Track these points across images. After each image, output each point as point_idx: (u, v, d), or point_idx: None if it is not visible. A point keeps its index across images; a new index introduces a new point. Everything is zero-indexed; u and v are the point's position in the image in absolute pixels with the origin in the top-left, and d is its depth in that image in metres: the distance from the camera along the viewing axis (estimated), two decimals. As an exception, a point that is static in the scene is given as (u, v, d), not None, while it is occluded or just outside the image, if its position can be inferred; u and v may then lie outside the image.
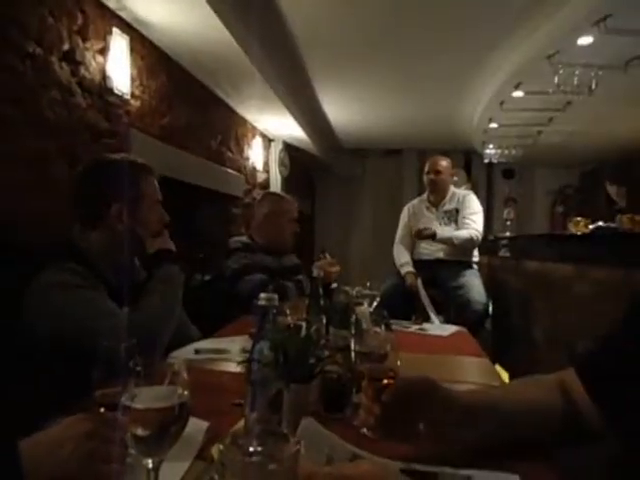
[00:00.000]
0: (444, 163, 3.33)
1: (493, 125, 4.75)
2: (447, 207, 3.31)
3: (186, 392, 0.56)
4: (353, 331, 0.93)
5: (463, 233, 3.12)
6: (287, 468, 0.44)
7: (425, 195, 3.46)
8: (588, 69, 3.07)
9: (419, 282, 3.13)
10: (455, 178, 3.52)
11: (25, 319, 1.17)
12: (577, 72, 3.08)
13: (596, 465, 0.92)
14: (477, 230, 3.16)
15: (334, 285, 2.14)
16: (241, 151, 4.41)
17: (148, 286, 1.34)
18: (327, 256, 2.21)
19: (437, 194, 3.34)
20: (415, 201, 3.55)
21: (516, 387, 0.98)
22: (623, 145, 5.55)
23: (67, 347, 1.11)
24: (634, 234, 2.50)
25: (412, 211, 3.46)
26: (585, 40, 2.78)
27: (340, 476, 0.50)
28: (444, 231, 3.11)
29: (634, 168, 5.45)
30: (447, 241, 3.12)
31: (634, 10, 2.49)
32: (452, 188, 3.39)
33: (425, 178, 3.36)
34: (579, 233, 2.91)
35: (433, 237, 3.09)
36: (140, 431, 0.52)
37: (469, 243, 3.14)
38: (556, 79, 3.12)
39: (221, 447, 0.43)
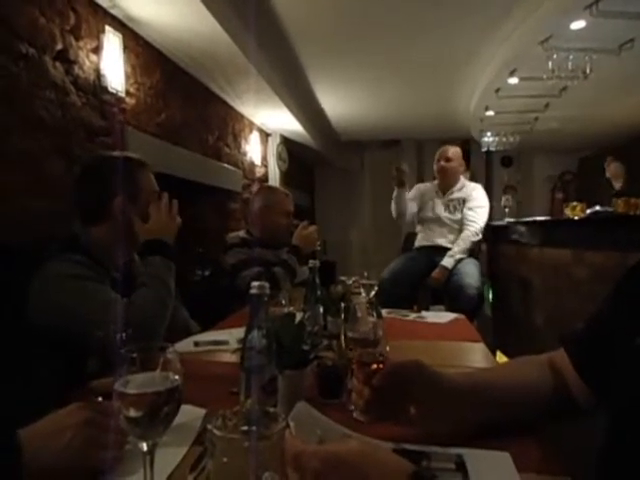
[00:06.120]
0: (454, 151, 3.38)
1: (490, 113, 4.74)
2: (455, 195, 3.34)
3: (177, 377, 0.58)
4: (342, 317, 0.95)
5: (461, 244, 3.16)
6: (273, 445, 0.46)
7: (436, 181, 3.51)
8: (582, 53, 3.07)
9: None
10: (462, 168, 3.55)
11: (30, 310, 1.18)
12: (571, 57, 3.07)
13: (585, 442, 0.94)
14: (476, 226, 3.21)
15: (318, 247, 2.20)
16: (238, 146, 4.41)
17: (138, 279, 1.36)
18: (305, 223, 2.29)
19: (446, 181, 3.38)
20: (428, 184, 3.60)
21: (507, 367, 0.99)
22: (619, 128, 5.54)
23: (70, 337, 1.13)
24: (629, 217, 2.51)
25: (421, 191, 3.50)
26: (578, 24, 2.78)
27: (328, 453, 0.51)
28: (447, 262, 3.12)
29: (630, 151, 5.43)
30: (456, 260, 3.14)
31: (625, -7, 2.49)
32: (463, 179, 3.43)
33: (435, 166, 3.41)
34: (576, 218, 2.91)
35: (448, 270, 3.11)
36: (132, 413, 0.54)
37: (472, 244, 3.21)
38: (550, 64, 3.11)
39: (209, 426, 0.45)
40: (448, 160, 3.33)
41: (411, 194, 3.49)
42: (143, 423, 0.55)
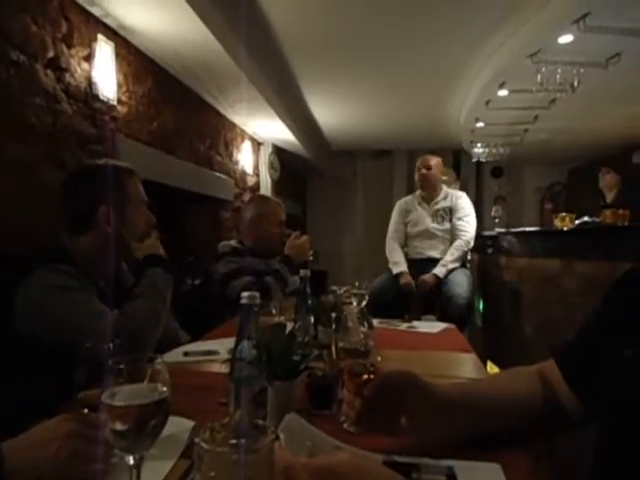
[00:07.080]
0: (434, 160, 3.42)
1: (480, 124, 4.79)
2: (440, 205, 3.36)
3: (165, 389, 0.57)
4: (333, 327, 0.94)
5: (454, 254, 3.18)
6: (262, 458, 0.45)
7: (418, 192, 3.52)
8: (570, 67, 3.12)
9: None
10: (444, 177, 3.58)
11: (17, 319, 1.17)
12: (559, 70, 3.12)
13: (575, 453, 0.94)
14: (468, 235, 3.24)
15: (311, 257, 2.23)
16: (230, 155, 4.41)
17: (134, 290, 1.35)
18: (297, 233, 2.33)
19: (428, 189, 3.41)
20: (408, 197, 3.61)
21: (497, 378, 0.99)
22: (607, 140, 5.62)
23: (57, 347, 1.12)
24: (617, 227, 2.54)
25: (404, 207, 3.51)
26: (565, 39, 2.82)
27: (318, 466, 0.51)
28: (439, 270, 3.14)
29: (617, 162, 5.50)
30: (449, 270, 3.15)
31: (612, 9, 2.53)
32: (445, 187, 3.46)
33: (416, 174, 3.43)
34: (565, 228, 2.94)
35: (438, 278, 3.12)
36: (119, 426, 0.53)
37: (464, 253, 3.24)
38: (539, 77, 3.16)
39: (197, 439, 0.44)
40: (429, 168, 3.36)
41: (397, 215, 3.51)
42: (130, 436, 0.54)
